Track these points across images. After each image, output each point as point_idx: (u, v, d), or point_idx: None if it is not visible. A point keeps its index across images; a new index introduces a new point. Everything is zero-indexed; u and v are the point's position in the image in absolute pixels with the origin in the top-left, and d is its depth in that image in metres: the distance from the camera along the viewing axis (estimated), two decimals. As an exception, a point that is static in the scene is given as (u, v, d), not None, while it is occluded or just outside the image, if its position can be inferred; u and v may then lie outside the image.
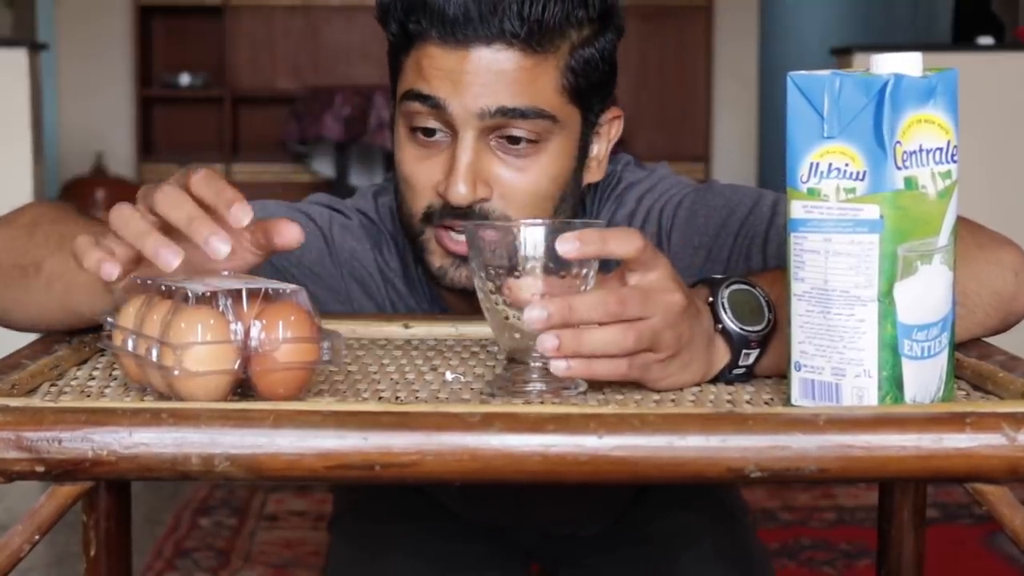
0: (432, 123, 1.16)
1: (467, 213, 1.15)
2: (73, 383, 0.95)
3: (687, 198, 1.25)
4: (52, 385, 0.94)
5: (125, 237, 0.90)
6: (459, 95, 1.13)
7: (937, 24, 6.33)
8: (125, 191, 6.40)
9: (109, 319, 0.91)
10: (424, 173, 1.17)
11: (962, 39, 5.06)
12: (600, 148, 1.23)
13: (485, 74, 1.13)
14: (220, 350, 0.84)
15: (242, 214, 0.90)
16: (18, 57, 3.92)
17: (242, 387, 0.87)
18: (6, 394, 0.88)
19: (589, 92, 1.18)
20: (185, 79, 7.00)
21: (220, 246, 0.87)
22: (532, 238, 0.90)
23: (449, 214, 1.16)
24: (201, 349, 0.84)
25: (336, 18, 7.09)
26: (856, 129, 0.82)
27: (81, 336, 1.04)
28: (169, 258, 0.87)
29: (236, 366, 0.85)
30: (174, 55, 7.14)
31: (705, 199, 1.24)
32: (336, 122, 6.07)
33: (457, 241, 1.16)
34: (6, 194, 3.65)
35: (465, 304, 1.21)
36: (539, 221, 0.91)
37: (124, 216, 0.91)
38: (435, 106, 1.14)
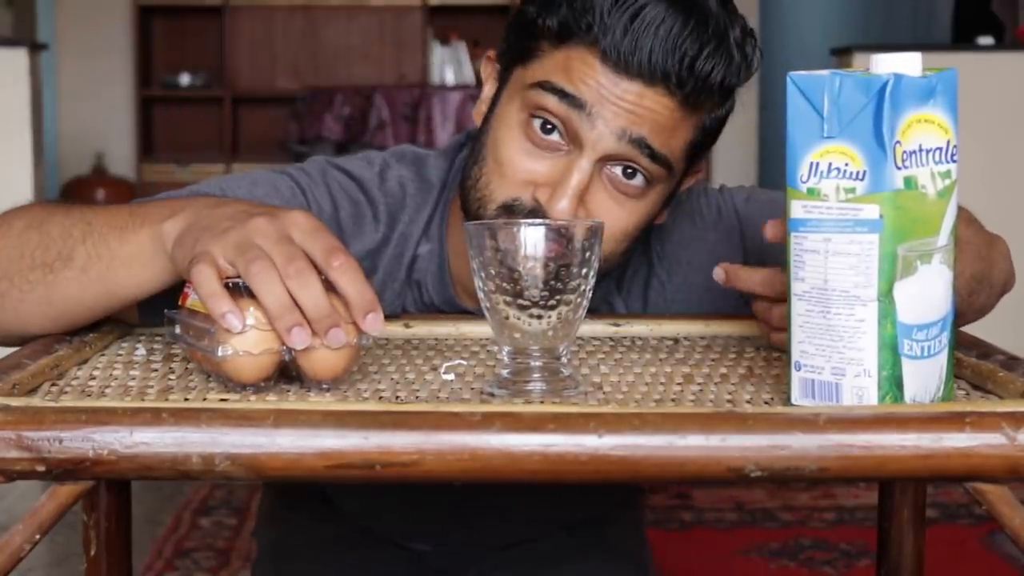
0: (556, 131, 1.13)
1: None
2: (74, 383, 0.95)
3: (739, 192, 1.32)
4: (53, 385, 0.94)
5: (199, 292, 0.90)
6: (604, 110, 1.11)
7: (937, 24, 6.33)
8: (125, 191, 6.41)
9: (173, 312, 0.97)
10: (527, 169, 1.15)
11: (962, 39, 5.06)
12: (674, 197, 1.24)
13: (636, 106, 1.11)
14: (262, 334, 0.89)
15: (377, 325, 0.90)
16: (18, 57, 3.92)
17: (294, 372, 0.92)
18: (7, 394, 0.88)
19: (701, 151, 1.19)
20: (185, 79, 7.01)
21: (301, 338, 0.88)
22: (533, 238, 0.90)
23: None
24: (247, 332, 0.89)
25: (336, 18, 7.10)
26: (856, 129, 0.82)
27: (82, 336, 1.04)
28: (234, 322, 0.88)
29: (279, 347, 0.90)
30: (174, 55, 7.15)
31: (754, 193, 1.32)
32: (336, 122, 6.08)
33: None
34: (6, 194, 3.64)
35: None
36: (539, 221, 0.92)
37: (204, 274, 0.90)
38: (577, 106, 1.11)
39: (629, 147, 1.12)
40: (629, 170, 1.14)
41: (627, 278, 1.29)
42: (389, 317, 1.15)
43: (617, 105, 1.11)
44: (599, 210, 1.14)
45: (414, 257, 1.26)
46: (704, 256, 1.26)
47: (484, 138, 1.19)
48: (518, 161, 1.15)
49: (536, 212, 1.13)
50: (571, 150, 1.13)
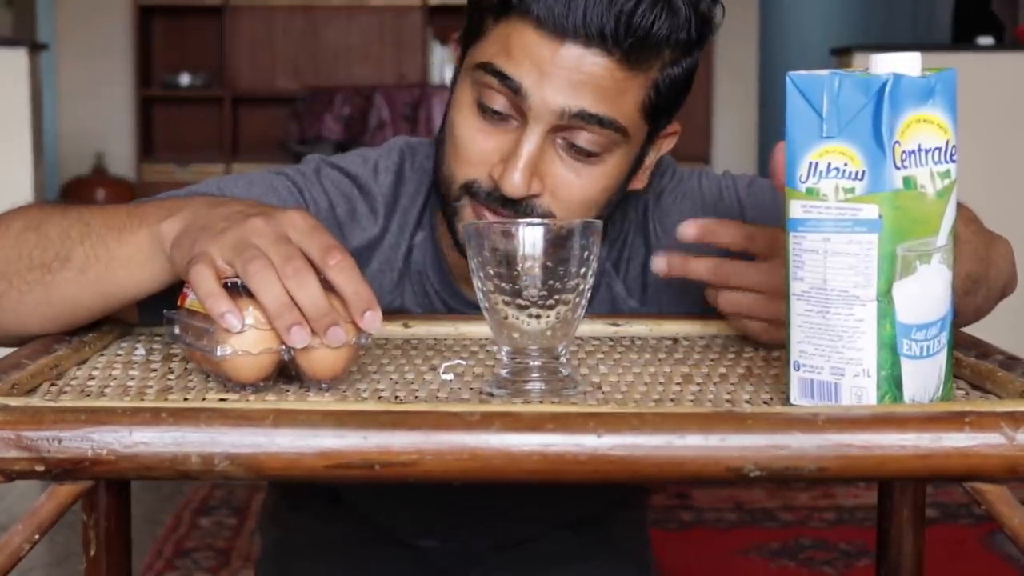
0: (502, 106, 1.14)
1: (513, 203, 1.14)
2: (73, 383, 0.95)
3: (742, 178, 1.31)
4: (52, 385, 0.94)
5: (198, 293, 0.90)
6: (542, 86, 1.11)
7: (937, 24, 6.34)
8: (125, 191, 6.41)
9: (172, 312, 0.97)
10: (479, 147, 1.16)
11: (962, 39, 5.07)
12: (651, 159, 1.23)
13: (574, 73, 1.11)
14: (261, 333, 0.89)
15: (375, 323, 0.90)
16: (18, 57, 3.92)
17: (294, 371, 0.92)
18: (6, 394, 0.88)
19: (664, 110, 1.18)
20: (185, 79, 7.01)
21: (301, 337, 0.88)
22: (532, 238, 0.90)
23: (494, 199, 1.15)
24: (246, 332, 0.89)
25: (336, 18, 7.10)
26: (855, 129, 0.82)
27: (81, 336, 1.04)
28: (233, 322, 0.89)
29: (278, 347, 0.90)
30: (174, 55, 7.15)
31: (756, 181, 1.31)
32: (336, 122, 6.07)
33: (495, 216, 1.16)
34: (6, 194, 3.64)
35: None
36: (538, 221, 0.92)
37: (202, 275, 0.90)
38: (514, 89, 1.12)
39: (572, 121, 1.12)
40: (581, 137, 1.14)
41: (624, 259, 1.29)
42: (388, 317, 1.16)
43: (557, 76, 1.11)
44: (556, 181, 1.15)
45: (410, 247, 1.27)
46: None
47: (444, 122, 1.21)
48: (471, 140, 1.16)
49: (493, 190, 1.14)
50: (520, 124, 1.14)
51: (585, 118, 1.12)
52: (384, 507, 1.41)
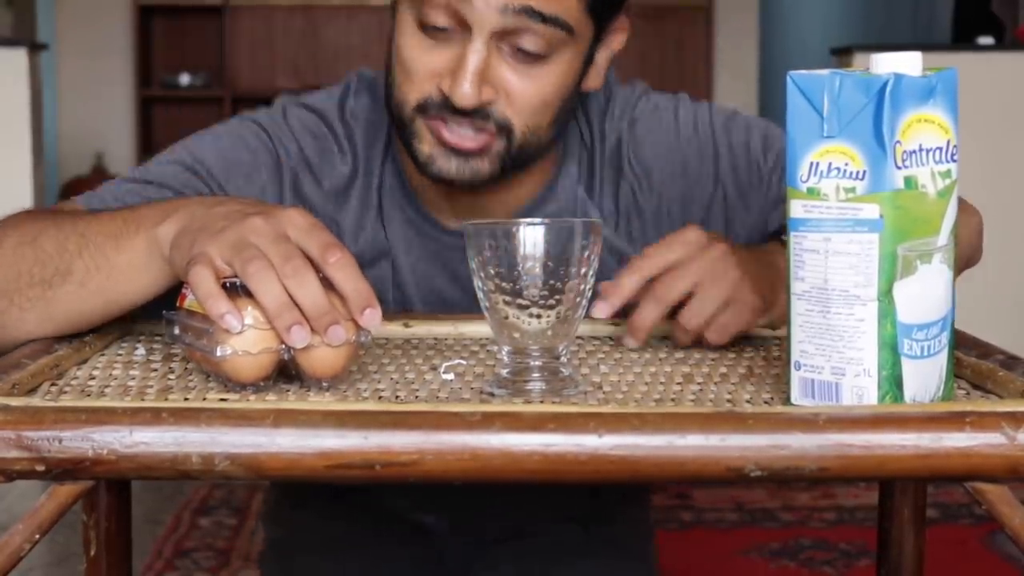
0: (443, 20, 1.14)
1: (469, 114, 1.15)
2: (73, 383, 0.95)
3: (719, 114, 1.31)
4: (52, 384, 0.94)
5: (197, 294, 0.90)
6: None
7: (937, 24, 6.33)
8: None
9: (172, 313, 0.97)
10: (426, 64, 1.16)
11: (962, 39, 5.06)
12: (602, 56, 1.24)
13: None
14: (261, 333, 0.89)
15: (374, 321, 0.90)
16: (18, 57, 3.92)
17: (294, 371, 0.92)
18: (6, 394, 0.88)
19: (608, 6, 1.19)
20: (185, 79, 7.01)
21: (300, 336, 0.88)
22: (532, 237, 0.90)
23: (447, 109, 1.15)
24: (246, 332, 0.89)
25: (336, 18, 7.09)
26: (856, 128, 0.82)
27: (81, 336, 1.04)
28: (233, 323, 0.89)
29: (278, 346, 0.90)
30: (174, 55, 7.14)
31: (734, 120, 1.31)
32: (336, 122, 6.07)
33: (453, 132, 1.16)
34: (6, 194, 3.65)
35: (445, 203, 1.24)
36: (538, 221, 0.92)
37: (201, 276, 0.90)
38: None
39: (516, 18, 1.12)
40: (527, 39, 1.14)
41: (597, 184, 1.29)
42: (388, 316, 1.16)
43: None
44: (507, 86, 1.16)
45: (381, 180, 1.28)
46: (677, 168, 1.28)
47: (389, 50, 1.21)
48: (418, 59, 1.16)
49: (447, 104, 1.15)
50: (463, 35, 1.15)
51: (529, 14, 1.12)
52: (390, 486, 1.41)
